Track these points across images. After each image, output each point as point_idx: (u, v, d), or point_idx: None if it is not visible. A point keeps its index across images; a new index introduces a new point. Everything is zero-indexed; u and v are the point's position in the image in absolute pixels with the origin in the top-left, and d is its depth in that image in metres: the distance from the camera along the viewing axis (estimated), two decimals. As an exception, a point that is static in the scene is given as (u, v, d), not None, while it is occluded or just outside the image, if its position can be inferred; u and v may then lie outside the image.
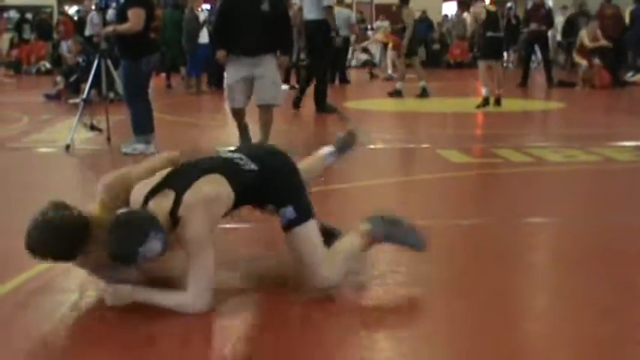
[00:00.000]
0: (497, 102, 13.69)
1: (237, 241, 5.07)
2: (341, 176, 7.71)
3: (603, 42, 17.41)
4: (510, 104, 14.19)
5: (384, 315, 3.72)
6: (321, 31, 12.73)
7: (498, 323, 3.61)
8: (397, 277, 4.33)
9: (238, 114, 8.58)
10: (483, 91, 13.85)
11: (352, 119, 12.28)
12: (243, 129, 8.64)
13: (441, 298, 3.97)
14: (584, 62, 17.61)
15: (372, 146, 9.61)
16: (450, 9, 31.40)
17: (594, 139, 9.53)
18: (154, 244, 3.45)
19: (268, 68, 8.40)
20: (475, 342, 3.36)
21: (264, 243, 5.06)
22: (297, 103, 13.32)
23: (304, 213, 3.93)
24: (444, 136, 10.67)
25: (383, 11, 28.49)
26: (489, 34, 13.86)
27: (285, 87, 15.34)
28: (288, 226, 3.90)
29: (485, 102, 13.63)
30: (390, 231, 4.17)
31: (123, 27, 8.55)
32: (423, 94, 15.37)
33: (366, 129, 11.39)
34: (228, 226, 4.79)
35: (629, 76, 18.32)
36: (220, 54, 8.49)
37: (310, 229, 3.92)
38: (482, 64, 14.07)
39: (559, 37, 23.06)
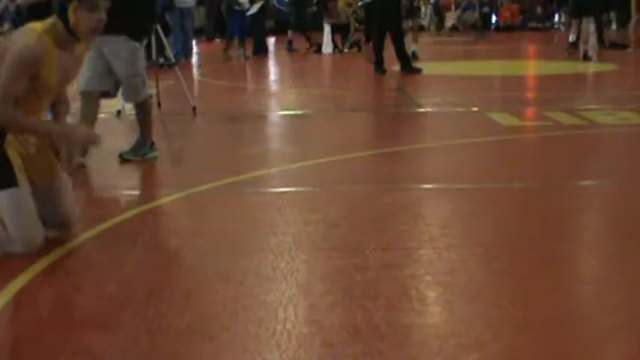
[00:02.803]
0: (585, 56, 14.82)
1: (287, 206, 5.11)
2: (392, 140, 7.71)
3: None
4: (561, 66, 13.98)
5: (436, 279, 3.72)
6: None
7: (551, 288, 3.59)
8: (448, 240, 4.32)
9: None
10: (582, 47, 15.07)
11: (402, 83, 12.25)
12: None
13: (492, 262, 3.96)
14: (637, 15, 17.28)
15: (421, 109, 9.58)
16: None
17: (648, 101, 9.37)
18: None
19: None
20: (528, 307, 3.35)
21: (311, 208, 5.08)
22: (380, 67, 13.14)
23: None
24: (494, 99, 10.57)
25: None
26: None
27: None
28: None
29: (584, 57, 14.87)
30: None
31: None
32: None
33: (414, 92, 11.36)
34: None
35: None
36: None
37: None
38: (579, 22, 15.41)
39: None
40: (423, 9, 26.01)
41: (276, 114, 9.77)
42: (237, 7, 16.23)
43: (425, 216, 4.98)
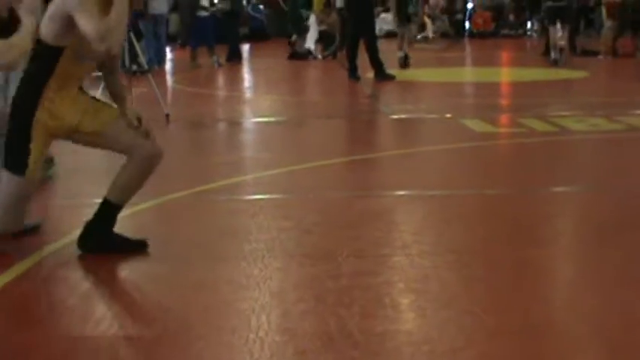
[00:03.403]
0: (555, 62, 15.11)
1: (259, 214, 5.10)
2: (365, 147, 7.72)
3: None
4: (534, 73, 14.08)
5: (409, 286, 3.73)
6: (364, 2, 12.95)
7: (523, 294, 3.60)
8: (422, 247, 4.34)
9: None
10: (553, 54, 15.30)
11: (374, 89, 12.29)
12: None
13: (465, 268, 3.97)
14: (608, 22, 17.45)
15: (394, 116, 9.60)
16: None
17: (618, 107, 9.45)
18: None
19: None
20: (501, 314, 3.36)
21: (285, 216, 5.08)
22: (354, 74, 13.12)
23: None
24: (467, 106, 10.62)
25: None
26: (549, 3, 15.33)
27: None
28: None
29: (555, 63, 15.10)
30: None
31: None
32: (402, 63, 15.04)
33: (388, 99, 11.39)
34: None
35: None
36: None
37: None
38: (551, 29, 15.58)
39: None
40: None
41: (250, 121, 9.75)
42: (201, 14, 16.16)
43: (398, 223, 4.99)
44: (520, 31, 26.07)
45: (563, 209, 5.36)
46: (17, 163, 3.99)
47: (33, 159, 3.99)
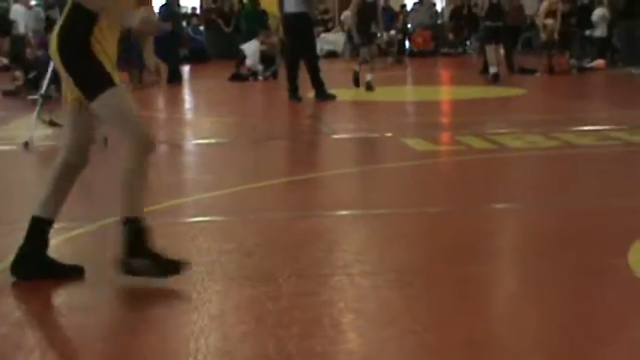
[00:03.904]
0: (495, 79, 15.52)
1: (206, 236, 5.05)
2: (307, 167, 7.72)
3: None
4: (472, 91, 14.25)
5: (349, 306, 3.71)
6: (303, 23, 12.88)
7: (465, 311, 3.61)
8: (363, 266, 4.33)
9: None
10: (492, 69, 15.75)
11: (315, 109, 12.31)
12: None
13: (406, 287, 3.97)
14: (549, 21, 17.81)
15: (335, 136, 9.62)
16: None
17: (555, 124, 9.60)
18: None
19: None
20: (442, 331, 3.36)
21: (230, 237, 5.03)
22: (294, 94, 13.05)
23: None
24: (408, 125, 10.69)
25: (347, 1, 28.43)
26: (487, 22, 15.99)
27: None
28: None
29: (495, 78, 15.52)
30: None
31: None
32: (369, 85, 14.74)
33: (329, 118, 11.41)
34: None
35: (587, 62, 18.47)
36: None
37: None
38: (488, 48, 16.13)
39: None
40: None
41: (191, 143, 9.69)
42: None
43: (339, 242, 4.98)
44: (459, 50, 26.43)
45: (503, 226, 5.41)
46: (103, 80, 3.85)
47: (109, 69, 3.87)
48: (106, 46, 3.93)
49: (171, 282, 4.03)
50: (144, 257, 3.95)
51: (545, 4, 18.71)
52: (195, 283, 3.99)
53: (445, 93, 15.87)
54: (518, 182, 6.79)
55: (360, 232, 5.22)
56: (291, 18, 13.05)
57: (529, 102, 13.54)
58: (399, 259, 4.46)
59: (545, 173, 7.22)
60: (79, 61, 3.89)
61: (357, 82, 14.33)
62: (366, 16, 14.07)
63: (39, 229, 4.06)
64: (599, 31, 18.85)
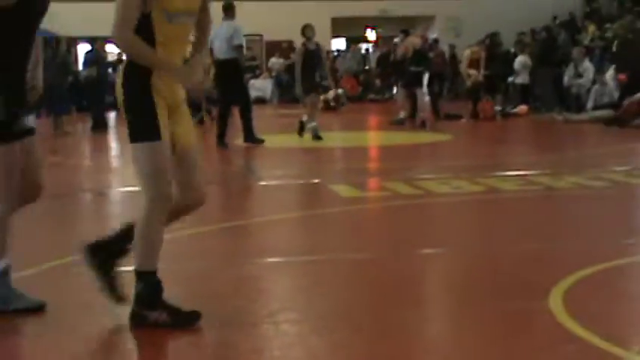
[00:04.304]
0: (423, 125, 15.90)
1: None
2: (234, 214, 7.67)
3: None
4: (399, 137, 14.41)
5: (273, 354, 3.67)
6: (234, 69, 12.94)
7: (387, 357, 3.60)
8: (289, 314, 4.30)
9: None
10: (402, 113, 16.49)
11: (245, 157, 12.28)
12: None
13: (331, 334, 3.95)
14: (473, 72, 18.23)
15: (263, 182, 9.60)
16: (340, 45, 31.75)
17: (480, 169, 9.75)
18: None
19: None
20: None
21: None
22: (222, 141, 13.00)
23: None
24: (335, 171, 10.74)
25: (273, 48, 28.68)
26: (412, 68, 16.43)
27: None
28: None
29: (401, 122, 16.23)
30: None
31: None
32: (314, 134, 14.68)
33: (257, 165, 11.40)
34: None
35: (511, 108, 18.87)
36: None
37: None
38: (402, 92, 17.09)
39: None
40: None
41: (116, 191, 9.56)
42: (67, 80, 15.93)
43: (265, 290, 4.94)
44: (387, 96, 26.78)
45: (427, 271, 5.44)
46: (150, 130, 3.83)
47: (162, 123, 3.86)
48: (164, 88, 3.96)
49: (86, 336, 3.94)
50: (161, 309, 3.96)
51: (467, 53, 19.21)
52: (111, 334, 3.91)
53: (373, 139, 16.04)
54: (443, 227, 6.85)
55: (287, 279, 5.19)
56: (222, 64, 13.10)
57: (455, 147, 13.75)
58: (325, 306, 4.44)
59: (469, 218, 7.30)
60: (137, 102, 3.91)
61: (301, 131, 14.23)
62: (310, 65, 13.99)
63: None
64: (522, 78, 19.31)
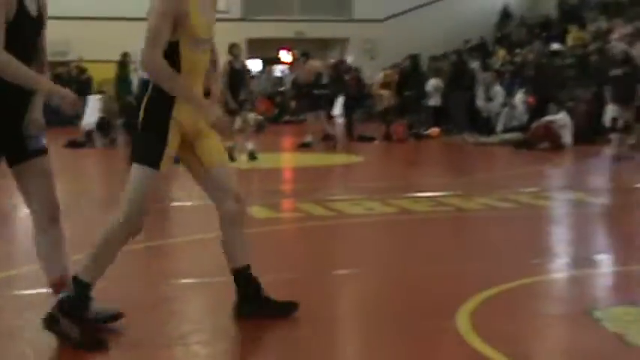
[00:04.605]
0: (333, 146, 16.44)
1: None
2: (145, 235, 7.54)
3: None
4: (313, 159, 14.51)
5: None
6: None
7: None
8: (200, 336, 4.28)
9: None
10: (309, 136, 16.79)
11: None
12: None
13: (242, 356, 3.94)
14: (385, 91, 18.59)
15: (176, 203, 9.53)
16: (256, 66, 31.76)
17: (392, 191, 9.88)
18: None
19: None
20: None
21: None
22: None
23: None
24: (249, 192, 10.71)
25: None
26: (316, 91, 16.86)
27: None
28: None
29: (308, 144, 16.39)
30: None
31: None
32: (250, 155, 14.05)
33: (170, 186, 11.31)
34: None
35: (423, 130, 19.17)
36: None
37: None
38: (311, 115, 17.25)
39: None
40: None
41: (24, 212, 9.33)
42: None
43: (176, 312, 4.90)
44: (301, 117, 26.90)
45: (339, 292, 5.48)
46: (153, 157, 3.97)
47: (167, 154, 3.99)
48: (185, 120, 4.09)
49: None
50: (76, 323, 3.96)
51: (380, 76, 19.54)
52: (17, 357, 3.83)
53: (286, 160, 16.08)
54: (355, 248, 6.91)
55: (198, 300, 5.17)
56: (145, 85, 12.80)
57: (368, 169, 13.90)
58: (236, 328, 4.44)
59: (381, 239, 7.39)
60: (152, 128, 4.04)
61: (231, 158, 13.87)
62: (235, 83, 13.59)
63: None
64: (434, 101, 19.66)
